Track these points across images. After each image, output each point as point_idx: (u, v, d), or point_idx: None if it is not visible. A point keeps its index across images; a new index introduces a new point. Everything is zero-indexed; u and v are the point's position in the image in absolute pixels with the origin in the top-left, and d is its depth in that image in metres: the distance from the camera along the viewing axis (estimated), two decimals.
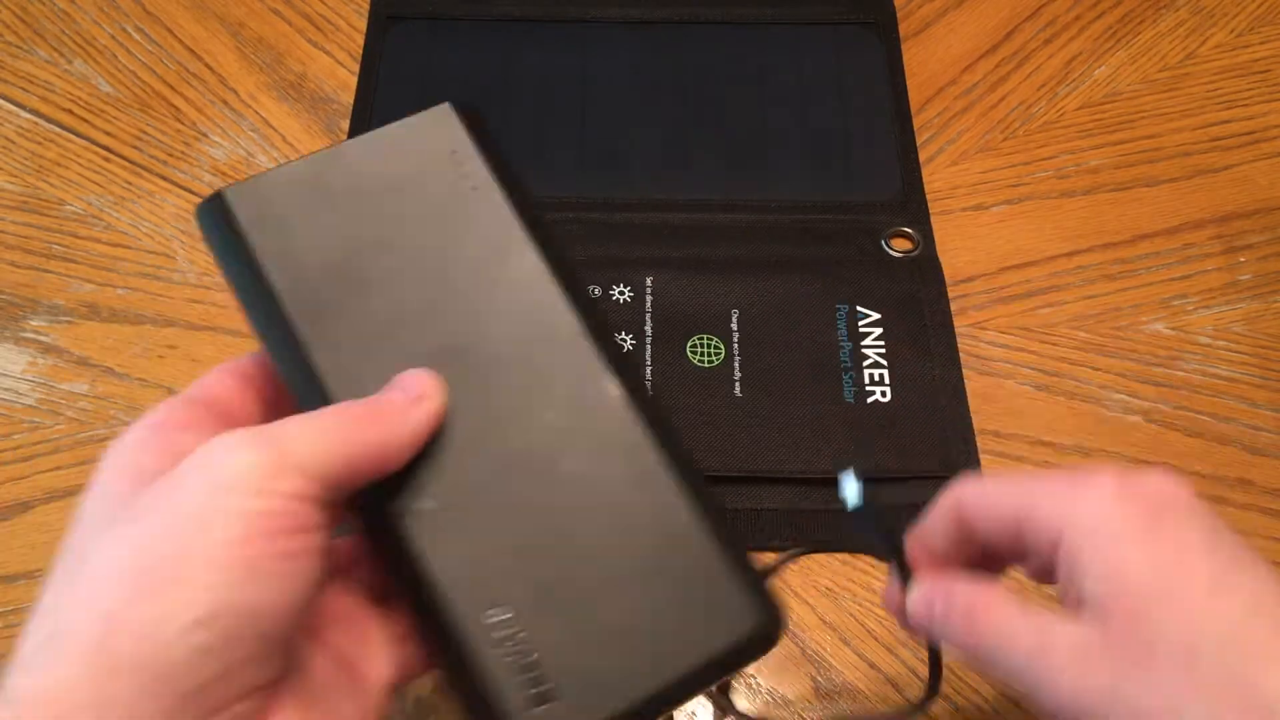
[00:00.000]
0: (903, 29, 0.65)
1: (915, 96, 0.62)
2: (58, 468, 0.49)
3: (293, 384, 0.27)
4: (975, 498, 0.29)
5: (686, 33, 0.64)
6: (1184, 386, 0.52)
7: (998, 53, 0.64)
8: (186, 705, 0.21)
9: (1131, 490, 0.26)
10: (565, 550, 0.26)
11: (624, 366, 0.29)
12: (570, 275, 0.29)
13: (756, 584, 0.27)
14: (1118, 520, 0.25)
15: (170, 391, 0.51)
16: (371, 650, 0.27)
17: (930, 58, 0.64)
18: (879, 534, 0.31)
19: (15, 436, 0.50)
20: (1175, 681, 0.23)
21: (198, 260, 0.55)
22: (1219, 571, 0.24)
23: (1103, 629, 0.25)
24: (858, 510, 0.31)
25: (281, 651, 0.23)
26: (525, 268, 0.29)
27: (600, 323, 0.29)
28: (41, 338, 0.53)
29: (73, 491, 0.49)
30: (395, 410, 0.25)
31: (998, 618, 0.27)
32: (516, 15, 0.64)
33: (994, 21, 0.66)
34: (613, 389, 0.28)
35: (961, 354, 0.53)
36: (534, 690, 0.25)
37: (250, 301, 0.28)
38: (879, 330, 0.53)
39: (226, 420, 0.27)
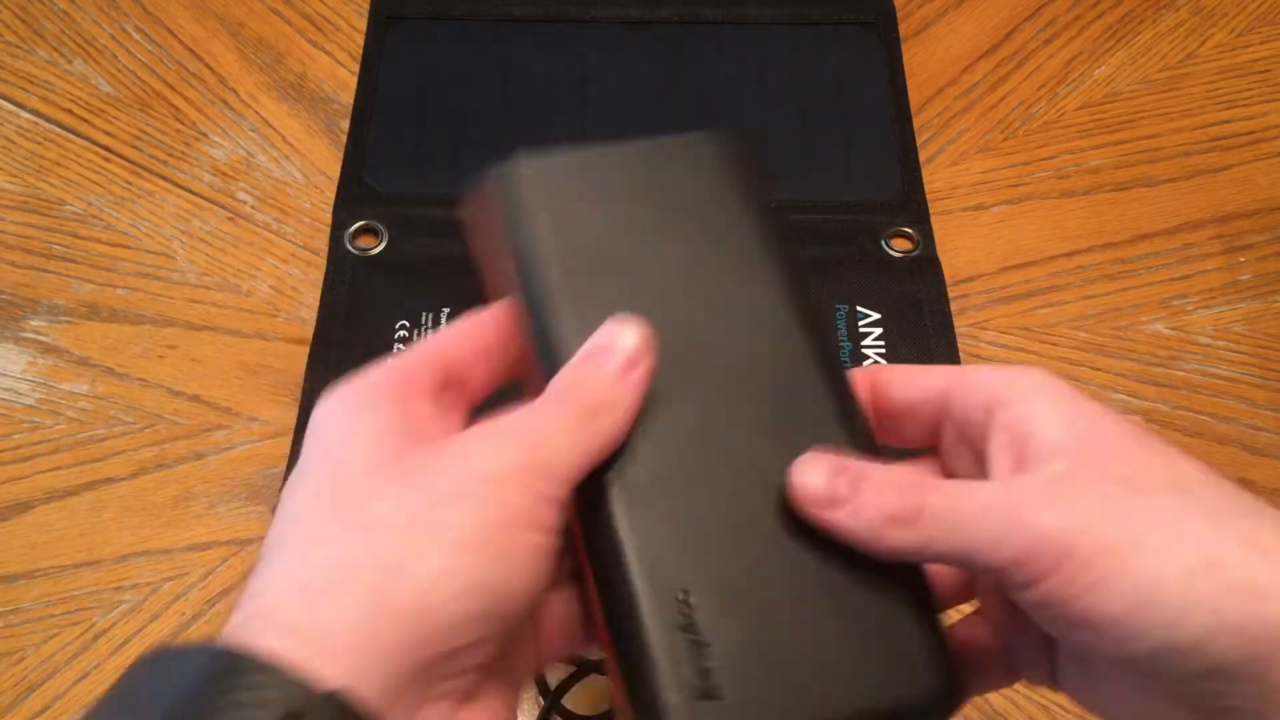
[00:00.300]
0: (903, 29, 0.65)
1: (915, 96, 0.62)
2: (58, 468, 0.49)
3: (542, 349, 0.28)
4: (895, 373, 0.29)
5: (686, 33, 0.64)
6: (1184, 386, 0.52)
7: (998, 53, 0.64)
8: (437, 667, 0.22)
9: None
10: (767, 555, 0.26)
11: (846, 393, 0.28)
12: (811, 310, 0.30)
13: (941, 649, 0.25)
14: (1063, 389, 0.26)
15: (170, 392, 0.51)
16: (522, 641, 0.28)
17: (930, 58, 0.64)
18: None
19: (15, 436, 0.50)
20: (1170, 503, 0.23)
21: (198, 260, 0.55)
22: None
23: (1075, 465, 0.24)
24: None
25: (507, 636, 0.24)
26: (770, 295, 0.29)
27: (830, 351, 0.29)
28: (41, 338, 0.53)
29: (73, 491, 0.49)
30: (618, 390, 0.26)
31: (943, 485, 0.25)
32: (516, 15, 0.64)
33: (994, 21, 0.66)
34: (829, 410, 0.28)
35: (961, 354, 0.53)
36: (699, 683, 0.24)
37: (523, 261, 0.29)
38: (879, 330, 0.53)
39: (462, 392, 0.28)
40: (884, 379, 0.29)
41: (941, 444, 0.29)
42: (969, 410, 0.27)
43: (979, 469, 0.27)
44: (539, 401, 0.26)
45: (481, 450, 0.24)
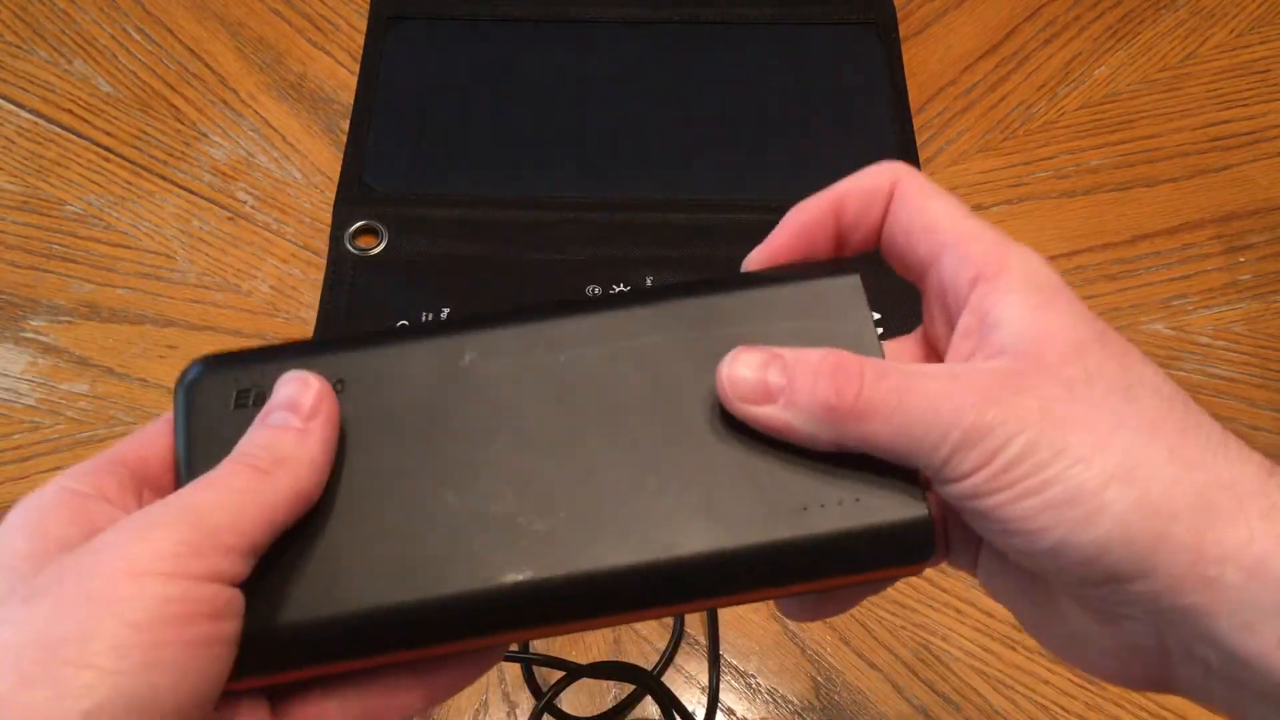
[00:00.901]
0: (903, 29, 0.65)
1: (915, 96, 0.62)
2: (58, 468, 0.49)
3: None
4: (916, 186, 0.27)
5: (686, 33, 0.64)
6: (1184, 386, 0.52)
7: (998, 53, 0.64)
8: None
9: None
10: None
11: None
12: None
13: None
14: (1044, 282, 0.25)
15: (171, 392, 0.51)
16: None
17: (930, 58, 0.64)
18: None
19: (15, 436, 0.50)
20: (1109, 409, 0.23)
21: (197, 260, 0.55)
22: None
23: (1027, 362, 0.23)
24: None
25: None
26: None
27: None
28: (41, 338, 0.53)
29: None
30: (293, 443, 0.24)
31: (885, 369, 0.24)
32: (517, 15, 0.64)
33: (994, 21, 0.66)
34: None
35: None
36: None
37: None
38: (880, 330, 0.53)
39: (151, 487, 0.26)
40: (905, 187, 0.27)
41: (925, 291, 0.28)
42: (956, 275, 0.26)
43: (949, 341, 0.26)
44: (204, 476, 0.23)
45: (122, 538, 0.21)
